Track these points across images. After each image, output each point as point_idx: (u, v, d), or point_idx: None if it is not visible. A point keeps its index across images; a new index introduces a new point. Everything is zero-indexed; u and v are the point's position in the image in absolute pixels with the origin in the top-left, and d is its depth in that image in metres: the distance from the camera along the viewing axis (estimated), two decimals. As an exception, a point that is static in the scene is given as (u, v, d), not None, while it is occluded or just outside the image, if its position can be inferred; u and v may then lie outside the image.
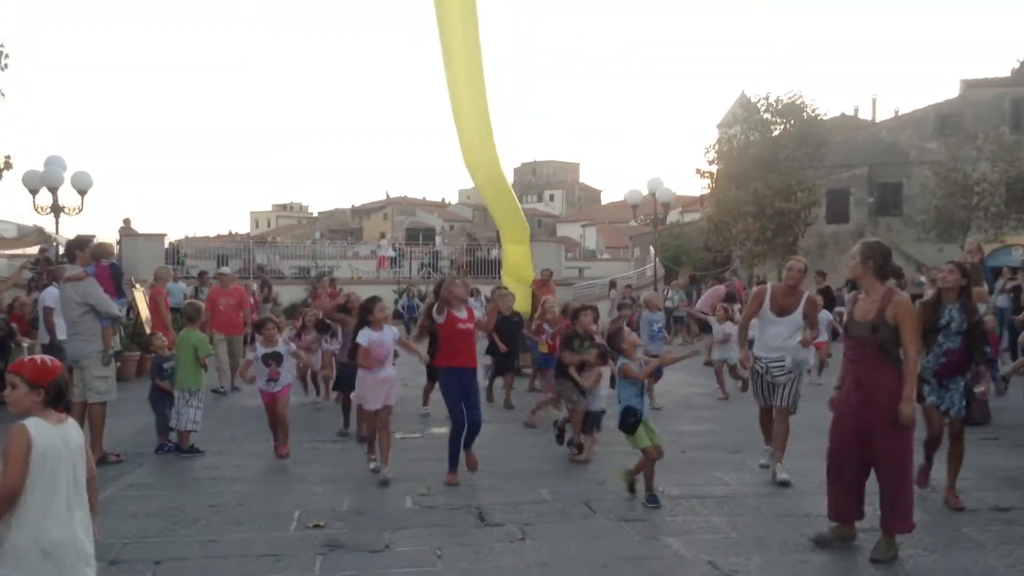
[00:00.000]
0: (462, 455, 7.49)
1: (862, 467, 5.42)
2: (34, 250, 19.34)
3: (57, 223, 17.61)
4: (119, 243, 23.97)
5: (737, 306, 14.92)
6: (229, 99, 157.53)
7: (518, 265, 12.77)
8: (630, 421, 6.69)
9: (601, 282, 32.34)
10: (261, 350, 8.43)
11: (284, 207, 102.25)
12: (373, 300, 7.84)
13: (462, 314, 7.43)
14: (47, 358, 3.51)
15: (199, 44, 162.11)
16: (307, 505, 6.55)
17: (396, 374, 7.78)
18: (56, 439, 3.34)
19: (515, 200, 12.62)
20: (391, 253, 33.12)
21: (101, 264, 8.76)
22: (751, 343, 7.65)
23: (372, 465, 7.65)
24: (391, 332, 7.72)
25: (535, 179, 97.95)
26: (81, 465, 3.46)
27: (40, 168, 17.45)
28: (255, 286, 19.02)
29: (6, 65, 16.55)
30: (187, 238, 40.34)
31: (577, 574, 5.16)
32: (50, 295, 10.37)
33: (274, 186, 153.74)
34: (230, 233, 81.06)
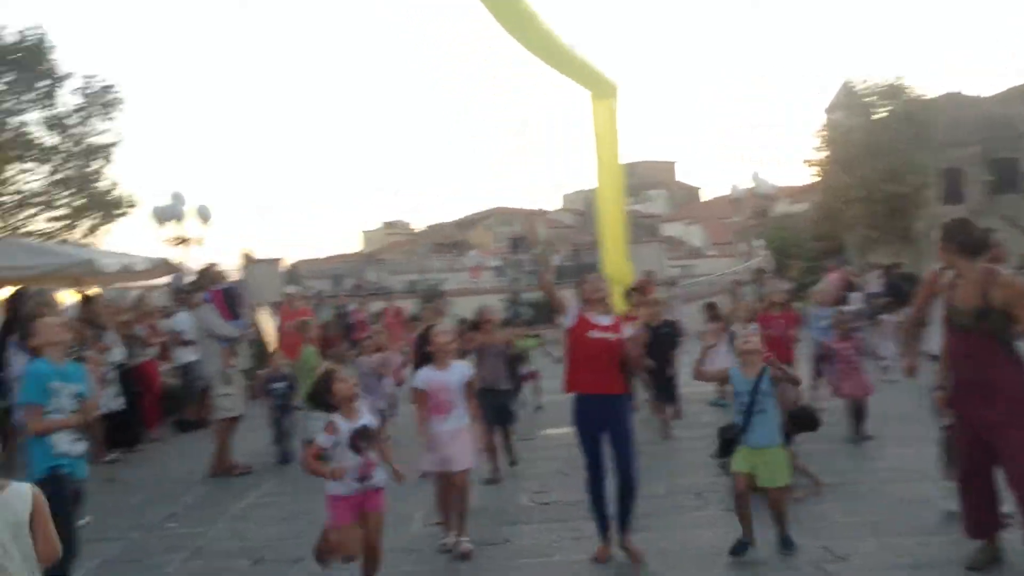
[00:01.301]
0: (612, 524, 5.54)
1: (993, 471, 4.88)
2: (163, 280, 20.59)
3: (183, 254, 18.77)
4: (242, 269, 25.23)
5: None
6: (338, 124, 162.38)
7: (618, 266, 12.94)
8: (726, 438, 6.12)
9: (707, 279, 32.06)
10: (343, 427, 4.78)
11: (392, 224, 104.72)
12: (432, 328, 6.14)
13: (602, 319, 5.52)
14: None
15: (302, 75, 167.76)
16: (428, 506, 6.91)
17: (467, 426, 5.79)
18: None
19: (623, 198, 13.19)
20: (493, 263, 33.76)
21: (216, 290, 9.39)
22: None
23: (445, 539, 5.87)
24: (460, 370, 5.85)
25: (632, 180, 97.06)
26: (11, 547, 2.97)
27: (165, 203, 18.64)
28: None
29: (120, 110, 17.76)
30: (302, 260, 41.90)
31: (693, 561, 5.34)
32: (178, 321, 11.14)
33: (383, 205, 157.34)
34: (341, 254, 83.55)
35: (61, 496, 4.67)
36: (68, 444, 4.89)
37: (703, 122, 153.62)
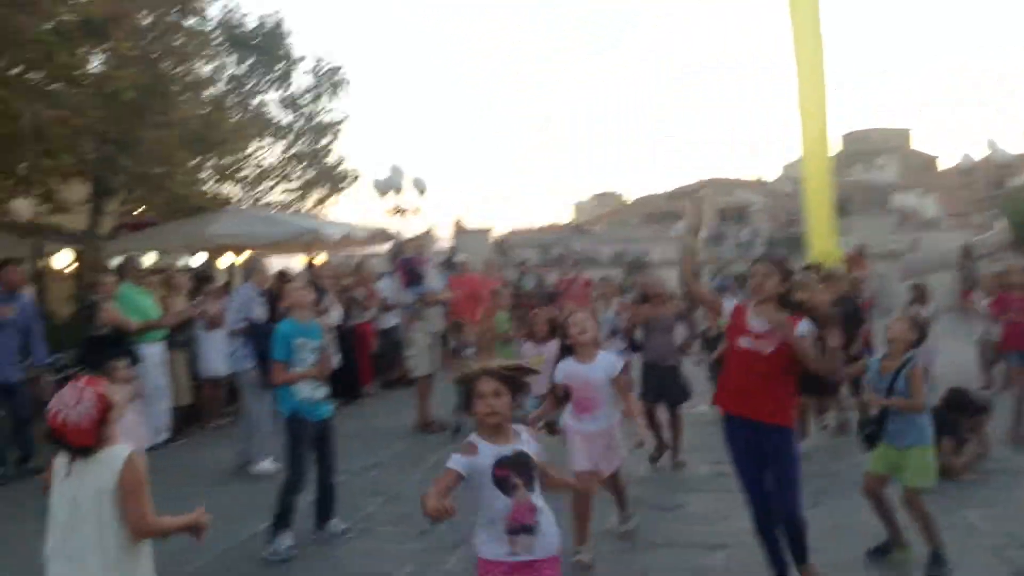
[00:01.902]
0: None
1: None
2: (382, 248, 22.04)
3: (400, 224, 19.98)
4: (453, 238, 26.47)
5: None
6: (550, 92, 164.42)
7: (823, 239, 12.52)
8: (867, 432, 5.22)
9: (939, 253, 29.89)
10: (487, 450, 3.25)
11: (603, 196, 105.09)
12: (567, 314, 5.51)
13: (758, 323, 4.42)
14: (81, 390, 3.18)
15: (519, 43, 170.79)
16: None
17: (615, 426, 5.25)
18: (61, 476, 3.15)
19: (830, 167, 12.78)
20: (701, 234, 33.15)
21: (400, 259, 10.09)
22: None
23: (578, 555, 5.08)
24: (607, 364, 5.17)
25: (863, 147, 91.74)
26: (91, 510, 3.10)
27: (384, 176, 19.88)
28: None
29: (345, 90, 19.07)
30: (514, 231, 43.12)
31: (867, 539, 5.26)
32: (382, 287, 12.04)
33: (594, 176, 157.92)
34: (552, 224, 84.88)
35: (298, 434, 5.69)
36: (309, 391, 5.75)
37: (941, 87, 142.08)
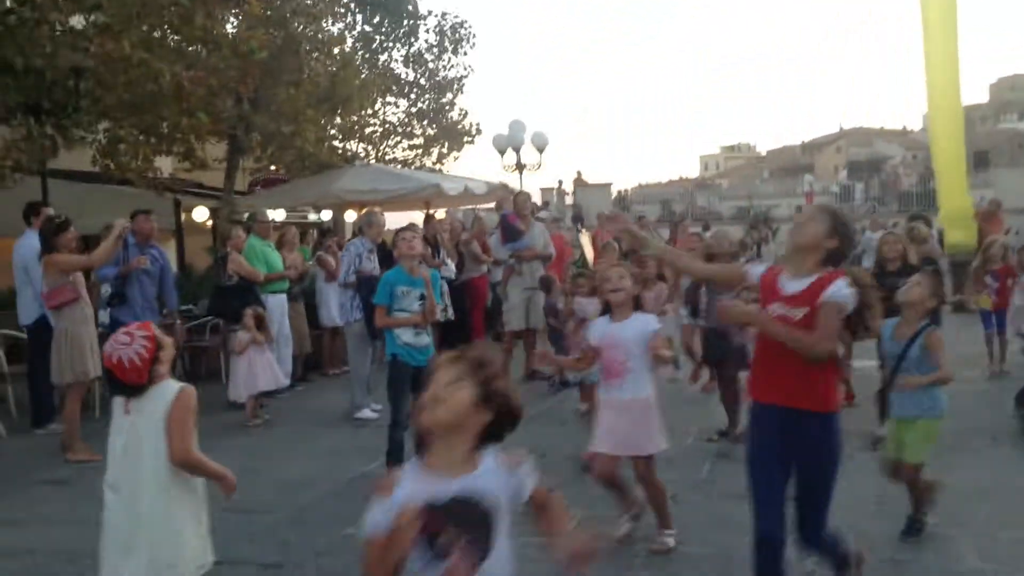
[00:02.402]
0: None
1: None
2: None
3: (521, 179, 20.19)
4: (572, 193, 26.50)
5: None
6: (676, 47, 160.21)
7: (954, 193, 11.92)
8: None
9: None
10: (417, 489, 2.13)
11: (732, 148, 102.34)
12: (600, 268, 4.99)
13: (792, 284, 3.56)
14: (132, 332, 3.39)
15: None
16: (705, 423, 7.20)
17: (651, 401, 4.60)
18: (119, 412, 3.41)
19: (961, 121, 12.09)
20: (832, 188, 32.00)
21: (503, 215, 10.27)
22: None
23: (622, 528, 4.78)
24: (644, 323, 4.63)
25: (1014, 95, 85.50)
26: (150, 439, 3.37)
27: (505, 131, 20.08)
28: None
29: (473, 45, 19.23)
30: (639, 186, 42.72)
31: (971, 499, 5.21)
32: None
33: (723, 128, 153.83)
34: (680, 179, 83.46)
35: (397, 376, 6.07)
36: (410, 337, 6.08)
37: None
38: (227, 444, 7.24)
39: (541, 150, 20.58)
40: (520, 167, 20.27)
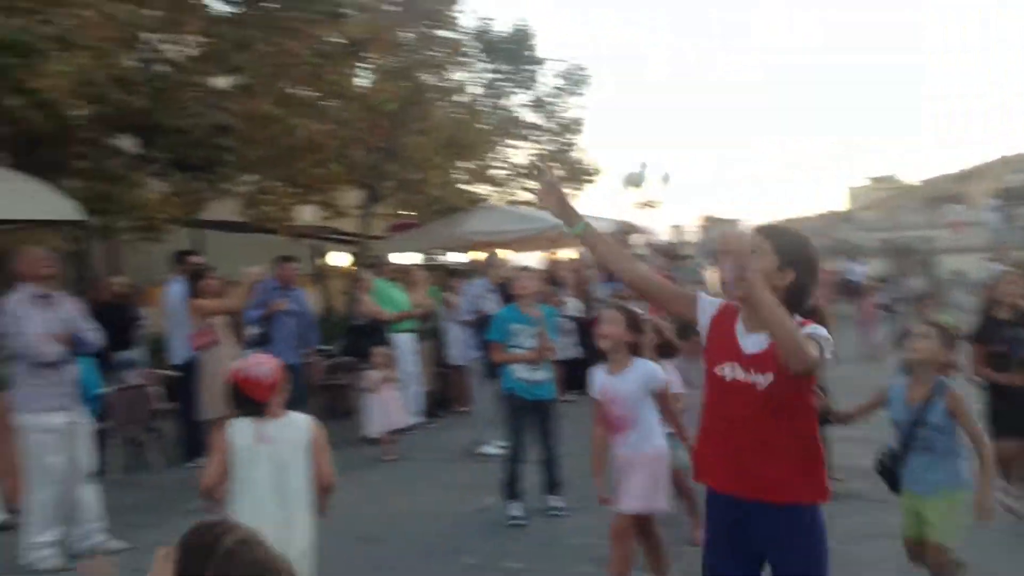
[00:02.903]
0: None
1: None
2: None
3: (646, 217, 20.18)
4: (702, 229, 26.20)
5: None
6: (819, 80, 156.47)
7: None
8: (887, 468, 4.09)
9: None
10: None
11: (880, 179, 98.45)
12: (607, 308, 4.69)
13: (750, 343, 2.74)
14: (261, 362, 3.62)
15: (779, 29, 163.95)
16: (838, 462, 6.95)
17: (661, 450, 4.33)
18: (248, 439, 3.44)
19: None
20: (983, 217, 30.31)
21: None
22: None
23: None
24: (645, 373, 4.29)
25: None
26: (296, 466, 3.49)
27: (631, 170, 20.22)
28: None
29: (589, 87, 19.58)
30: (785, 220, 41.65)
31: None
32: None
33: (873, 160, 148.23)
34: (827, 212, 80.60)
35: (513, 410, 6.30)
36: (525, 372, 6.25)
37: None
38: (360, 477, 7.52)
39: (666, 186, 20.59)
40: (647, 204, 20.29)
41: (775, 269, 2.65)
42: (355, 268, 13.77)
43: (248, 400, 3.46)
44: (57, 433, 5.60)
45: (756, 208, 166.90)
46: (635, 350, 4.32)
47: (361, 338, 9.04)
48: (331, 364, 10.51)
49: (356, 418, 9.37)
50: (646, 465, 4.23)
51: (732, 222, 27.14)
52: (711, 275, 14.66)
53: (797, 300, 2.66)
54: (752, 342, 2.70)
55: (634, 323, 4.36)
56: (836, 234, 29.50)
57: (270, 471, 3.44)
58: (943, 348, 3.87)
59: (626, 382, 4.25)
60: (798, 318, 2.67)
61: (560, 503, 6.37)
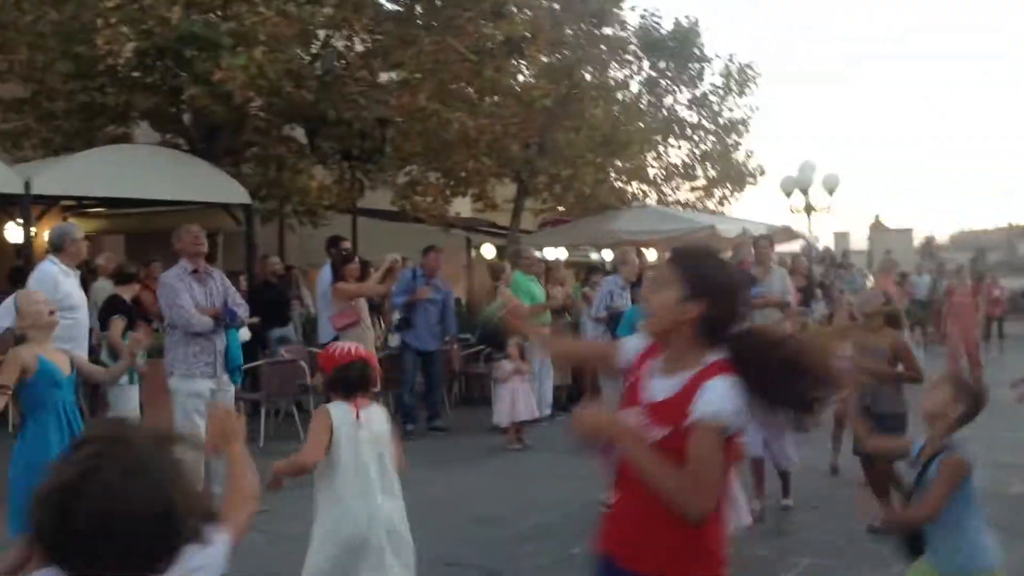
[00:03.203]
0: None
1: None
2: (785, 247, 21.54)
3: (808, 222, 19.43)
4: (868, 238, 25.01)
5: None
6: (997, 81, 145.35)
7: None
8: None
9: None
10: None
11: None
12: None
13: (658, 387, 2.37)
14: (349, 347, 3.79)
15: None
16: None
17: None
18: (350, 422, 3.57)
19: None
20: None
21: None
22: None
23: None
24: None
25: None
26: (387, 451, 3.66)
27: (794, 173, 19.47)
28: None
29: (756, 84, 18.99)
30: (959, 232, 39.27)
31: None
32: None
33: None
34: (1008, 225, 75.26)
35: None
36: None
37: None
38: (484, 463, 7.77)
39: (832, 191, 19.72)
40: (809, 209, 19.54)
41: (678, 301, 2.31)
42: (497, 261, 14.10)
43: (347, 383, 3.63)
44: (203, 398, 6.10)
45: (930, 217, 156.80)
46: None
47: (497, 329, 9.27)
48: (469, 352, 10.83)
49: (490, 407, 9.66)
50: None
51: (902, 232, 25.77)
52: (873, 284, 14.10)
53: (709, 333, 2.31)
54: (660, 387, 2.35)
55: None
56: (1018, 250, 27.46)
57: (370, 453, 3.59)
58: (955, 401, 3.34)
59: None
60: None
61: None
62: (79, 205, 12.04)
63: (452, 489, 6.95)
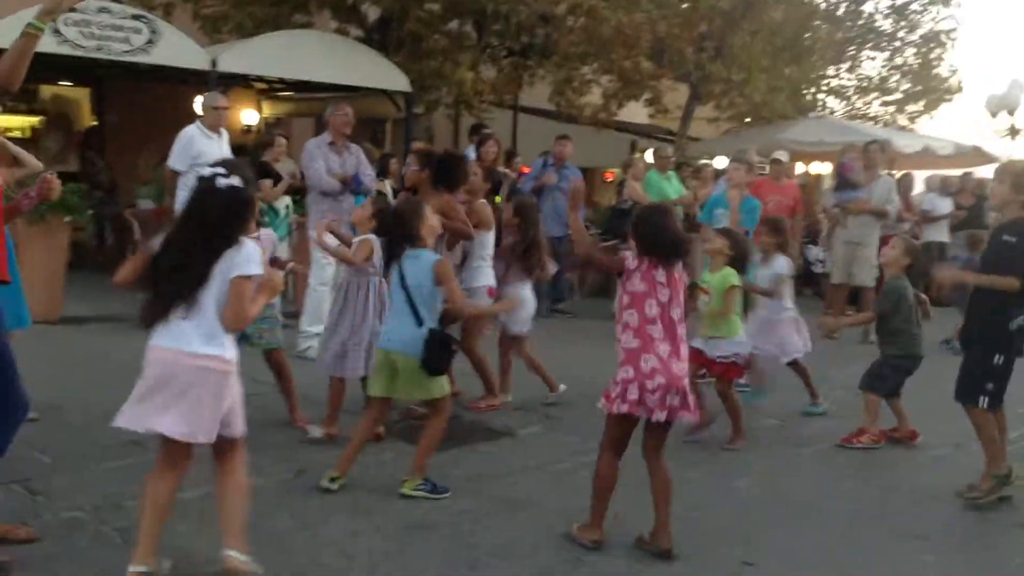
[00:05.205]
0: None
1: None
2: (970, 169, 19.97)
3: (1011, 145, 17.95)
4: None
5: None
6: None
7: None
8: None
9: None
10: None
11: None
12: None
13: None
14: None
15: None
16: None
17: None
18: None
19: None
20: None
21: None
22: None
23: None
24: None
25: None
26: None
27: (999, 91, 18.00)
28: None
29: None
30: None
31: None
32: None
33: None
34: None
35: None
36: None
37: None
38: (594, 346, 8.27)
39: (1041, 113, 18.08)
40: (1014, 132, 18.06)
41: None
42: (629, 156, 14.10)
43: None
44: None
45: None
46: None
47: (623, 220, 9.59)
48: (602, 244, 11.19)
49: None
50: None
51: None
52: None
53: None
54: None
55: None
56: None
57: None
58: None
59: None
60: None
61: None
62: (271, 89, 13.26)
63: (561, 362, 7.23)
